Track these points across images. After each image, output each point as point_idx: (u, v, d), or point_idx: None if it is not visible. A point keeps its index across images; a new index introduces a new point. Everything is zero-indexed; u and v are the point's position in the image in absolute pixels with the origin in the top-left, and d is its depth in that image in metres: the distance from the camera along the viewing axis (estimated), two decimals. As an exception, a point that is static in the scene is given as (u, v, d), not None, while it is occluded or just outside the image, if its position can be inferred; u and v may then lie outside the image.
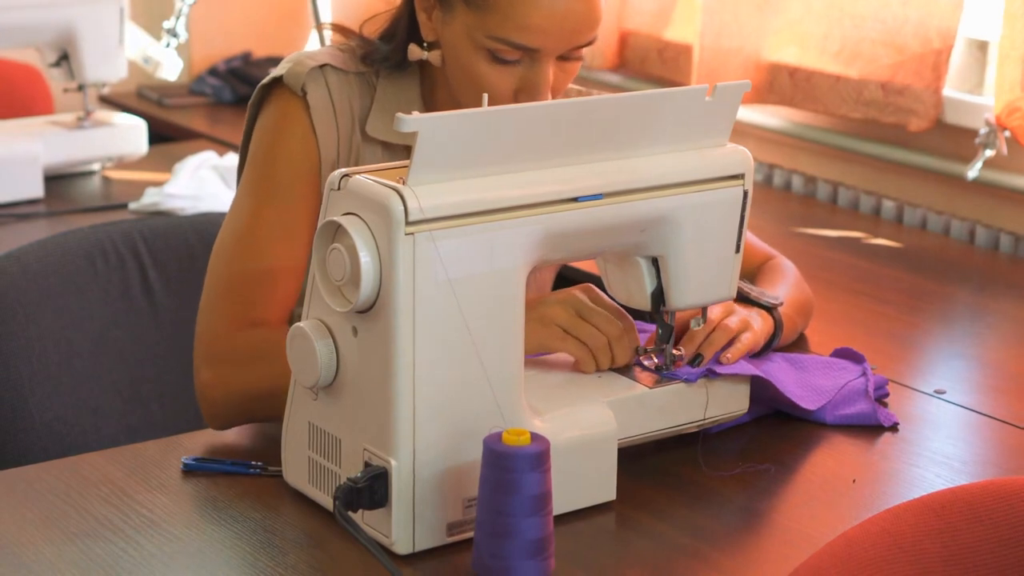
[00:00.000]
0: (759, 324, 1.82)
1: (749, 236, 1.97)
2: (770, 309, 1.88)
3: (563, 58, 1.74)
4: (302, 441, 1.56)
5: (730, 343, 1.75)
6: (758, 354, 1.87)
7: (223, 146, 3.27)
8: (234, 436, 1.76)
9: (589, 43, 1.74)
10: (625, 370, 1.70)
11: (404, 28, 1.83)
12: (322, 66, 1.79)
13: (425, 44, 1.80)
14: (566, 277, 2.16)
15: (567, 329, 1.67)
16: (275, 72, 1.81)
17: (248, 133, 1.84)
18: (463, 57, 1.74)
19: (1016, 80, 2.60)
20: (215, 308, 1.77)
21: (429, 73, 1.85)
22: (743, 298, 1.83)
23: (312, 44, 4.12)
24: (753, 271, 2.03)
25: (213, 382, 1.73)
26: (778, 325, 1.87)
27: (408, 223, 1.42)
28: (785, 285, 1.99)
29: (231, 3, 4.09)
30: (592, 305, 1.68)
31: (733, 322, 1.76)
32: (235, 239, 1.78)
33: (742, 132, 3.09)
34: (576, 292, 1.70)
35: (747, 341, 1.76)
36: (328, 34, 3.39)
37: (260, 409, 1.72)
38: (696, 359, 1.71)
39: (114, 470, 1.65)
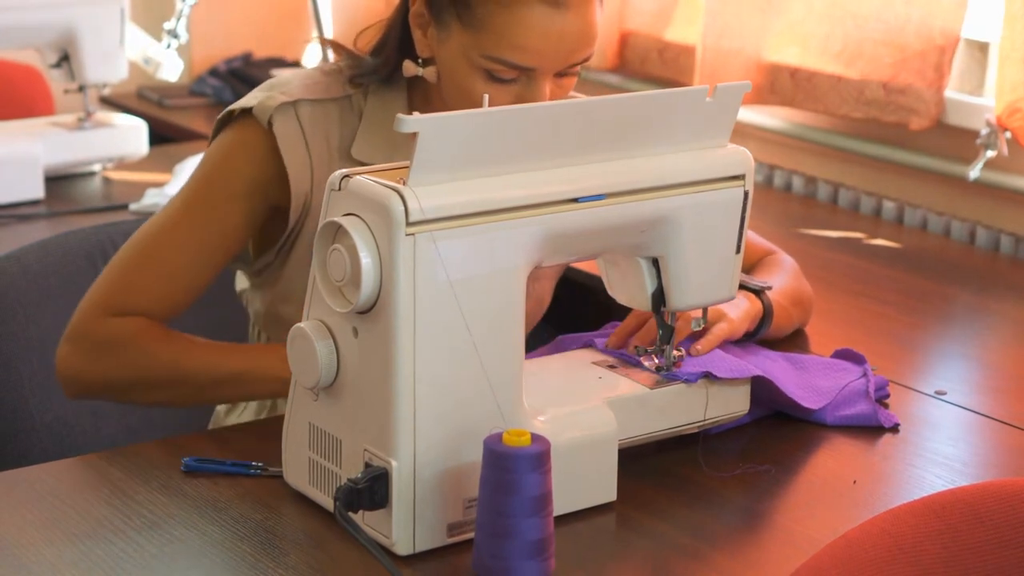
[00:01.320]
0: (740, 311, 1.82)
1: (749, 233, 1.97)
2: (757, 292, 1.88)
3: (560, 74, 1.74)
4: (302, 442, 1.56)
5: (699, 334, 1.75)
6: (749, 338, 1.87)
7: (223, 147, 3.27)
8: (235, 437, 1.76)
9: (585, 60, 1.74)
10: (625, 370, 1.70)
11: (395, 41, 1.83)
12: (295, 101, 1.80)
13: (420, 60, 1.80)
14: (568, 279, 2.16)
15: None
16: (246, 101, 1.81)
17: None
18: (459, 75, 1.74)
19: (1017, 81, 2.60)
20: (95, 289, 1.81)
21: (419, 87, 1.85)
22: None
23: (314, 50, 4.11)
24: (752, 266, 2.04)
25: (65, 359, 1.81)
26: (767, 308, 1.88)
27: (409, 223, 1.42)
28: (781, 276, 2.00)
29: (231, 4, 4.09)
30: None
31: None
32: (141, 234, 1.82)
33: (743, 133, 3.09)
34: None
35: (719, 331, 1.76)
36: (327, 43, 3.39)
37: (105, 396, 1.84)
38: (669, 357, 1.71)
39: (114, 471, 1.65)
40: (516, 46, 1.69)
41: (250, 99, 1.81)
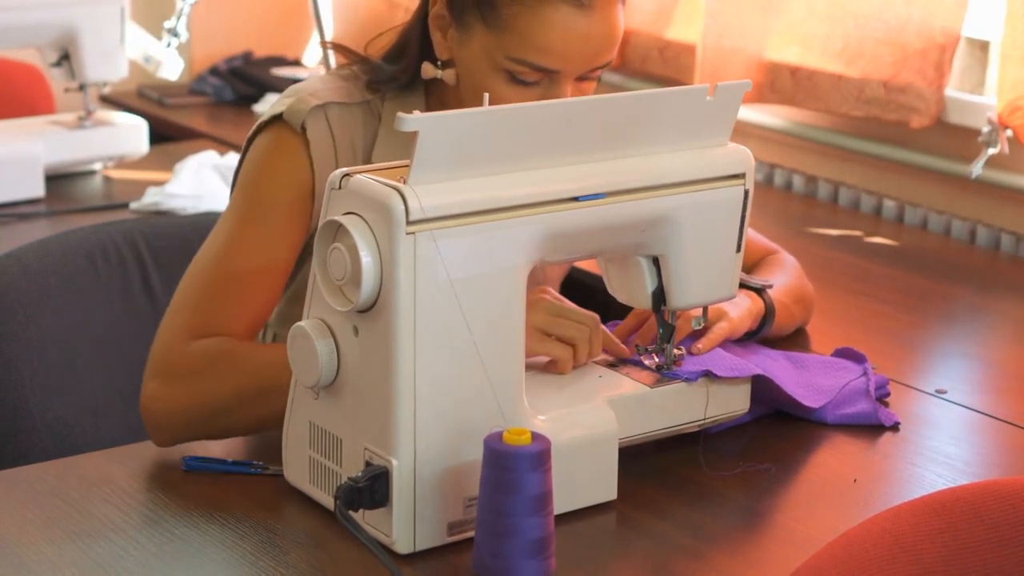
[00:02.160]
0: (740, 310, 1.82)
1: (751, 232, 1.97)
2: (758, 291, 1.88)
3: (580, 78, 1.74)
4: (303, 441, 1.56)
5: (700, 333, 1.75)
6: (751, 337, 1.87)
7: (224, 145, 3.27)
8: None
9: (607, 64, 1.73)
10: (626, 369, 1.70)
11: (415, 46, 1.81)
12: (325, 104, 1.78)
13: (439, 63, 1.79)
14: (569, 278, 2.15)
15: (547, 330, 1.66)
16: (275, 109, 1.79)
17: (242, 163, 1.83)
18: (480, 77, 1.73)
19: (1018, 79, 2.60)
20: (173, 320, 1.73)
21: (436, 91, 1.84)
22: None
23: (314, 50, 4.11)
24: (753, 264, 2.04)
25: (155, 395, 1.69)
26: (768, 307, 1.88)
27: (409, 222, 1.42)
28: (783, 275, 2.00)
29: (232, 3, 4.09)
30: (562, 304, 1.68)
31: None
32: (209, 256, 1.76)
33: (743, 132, 3.09)
34: (541, 295, 1.69)
35: (719, 330, 1.76)
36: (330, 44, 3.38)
37: (203, 425, 1.68)
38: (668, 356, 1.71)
39: (115, 470, 1.65)
40: (541, 48, 1.68)
41: (278, 106, 1.79)
